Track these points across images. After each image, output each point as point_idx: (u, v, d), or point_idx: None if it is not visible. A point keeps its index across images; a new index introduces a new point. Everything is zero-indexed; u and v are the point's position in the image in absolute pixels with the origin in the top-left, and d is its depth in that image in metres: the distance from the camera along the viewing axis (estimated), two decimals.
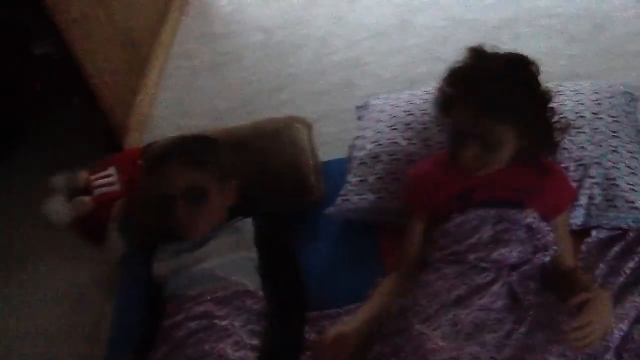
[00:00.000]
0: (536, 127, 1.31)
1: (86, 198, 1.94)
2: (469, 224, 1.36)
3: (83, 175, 2.00)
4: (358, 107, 1.98)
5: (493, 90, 1.25)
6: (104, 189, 1.90)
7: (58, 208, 1.96)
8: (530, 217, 1.35)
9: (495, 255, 1.32)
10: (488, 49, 1.33)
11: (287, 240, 1.52)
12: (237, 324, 1.33)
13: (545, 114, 1.33)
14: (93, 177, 1.96)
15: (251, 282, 1.41)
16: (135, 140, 2.30)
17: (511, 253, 1.32)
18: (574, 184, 1.49)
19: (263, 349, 1.32)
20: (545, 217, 1.38)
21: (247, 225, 1.47)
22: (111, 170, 1.93)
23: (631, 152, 1.56)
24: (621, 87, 1.69)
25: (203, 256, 1.43)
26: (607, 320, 1.18)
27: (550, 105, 1.33)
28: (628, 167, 1.52)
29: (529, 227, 1.35)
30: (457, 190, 1.40)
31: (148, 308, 1.47)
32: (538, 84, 1.32)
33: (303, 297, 1.43)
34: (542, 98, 1.32)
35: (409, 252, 1.44)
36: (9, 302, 1.92)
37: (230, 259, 1.42)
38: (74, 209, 1.95)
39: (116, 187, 1.89)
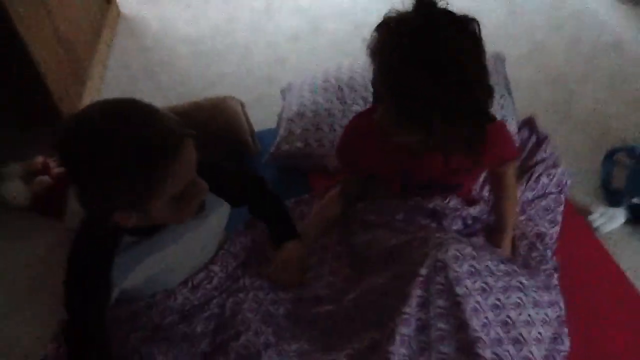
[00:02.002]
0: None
1: (45, 177, 2.14)
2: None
3: (39, 159, 2.20)
4: (282, 90, 2.33)
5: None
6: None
7: (16, 189, 2.13)
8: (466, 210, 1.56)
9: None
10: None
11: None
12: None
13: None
14: (51, 159, 2.17)
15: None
16: None
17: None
18: None
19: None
20: (490, 166, 1.53)
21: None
22: None
23: (500, 104, 1.98)
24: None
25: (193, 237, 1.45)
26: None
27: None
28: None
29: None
30: (397, 167, 1.46)
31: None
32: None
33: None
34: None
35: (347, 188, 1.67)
36: None
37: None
38: (33, 188, 2.12)
39: None
